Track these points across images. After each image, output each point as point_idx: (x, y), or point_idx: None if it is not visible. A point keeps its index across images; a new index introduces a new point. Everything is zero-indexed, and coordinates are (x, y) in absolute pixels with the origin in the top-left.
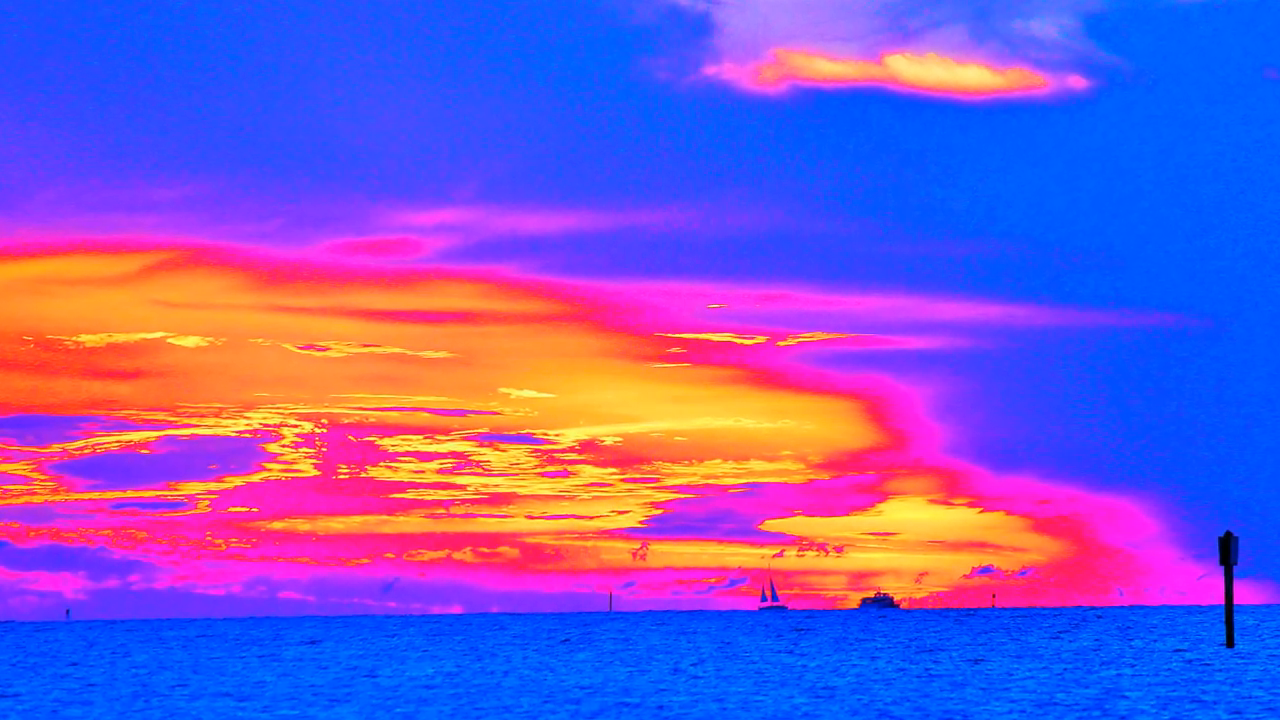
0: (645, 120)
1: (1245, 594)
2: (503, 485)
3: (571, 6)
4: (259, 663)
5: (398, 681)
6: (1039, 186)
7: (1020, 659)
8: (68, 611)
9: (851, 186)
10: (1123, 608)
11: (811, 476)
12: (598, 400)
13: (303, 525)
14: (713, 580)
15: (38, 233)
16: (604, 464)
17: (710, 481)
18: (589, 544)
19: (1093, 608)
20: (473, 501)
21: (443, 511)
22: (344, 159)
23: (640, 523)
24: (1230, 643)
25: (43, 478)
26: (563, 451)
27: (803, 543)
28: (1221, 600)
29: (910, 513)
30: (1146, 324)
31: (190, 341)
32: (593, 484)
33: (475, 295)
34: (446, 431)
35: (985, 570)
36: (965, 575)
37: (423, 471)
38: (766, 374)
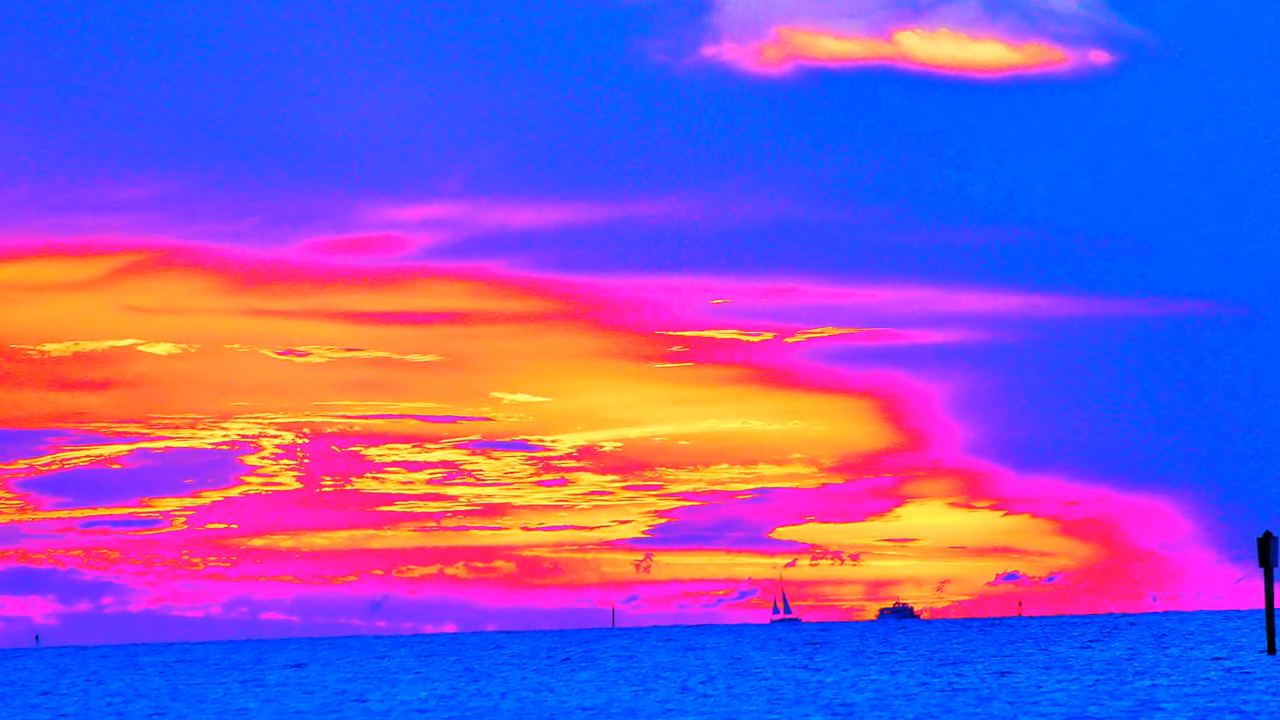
0: (642, 105)
1: None
2: (497, 495)
3: None
4: (241, 688)
5: (388, 706)
6: (1060, 169)
7: (1049, 670)
8: (37, 637)
9: (861, 172)
10: (1157, 614)
11: (824, 480)
12: (596, 403)
13: (285, 542)
14: (721, 592)
15: None
16: (604, 471)
17: (717, 487)
18: (589, 556)
19: (1125, 614)
20: (465, 513)
21: (433, 524)
22: (323, 152)
23: (643, 533)
24: (1272, 649)
25: (8, 496)
26: (560, 458)
27: (816, 551)
28: (1262, 604)
29: (930, 517)
30: (1177, 313)
31: (162, 348)
32: (592, 492)
33: (464, 294)
34: (436, 439)
35: (1010, 577)
36: (989, 582)
37: (411, 482)
38: (774, 372)
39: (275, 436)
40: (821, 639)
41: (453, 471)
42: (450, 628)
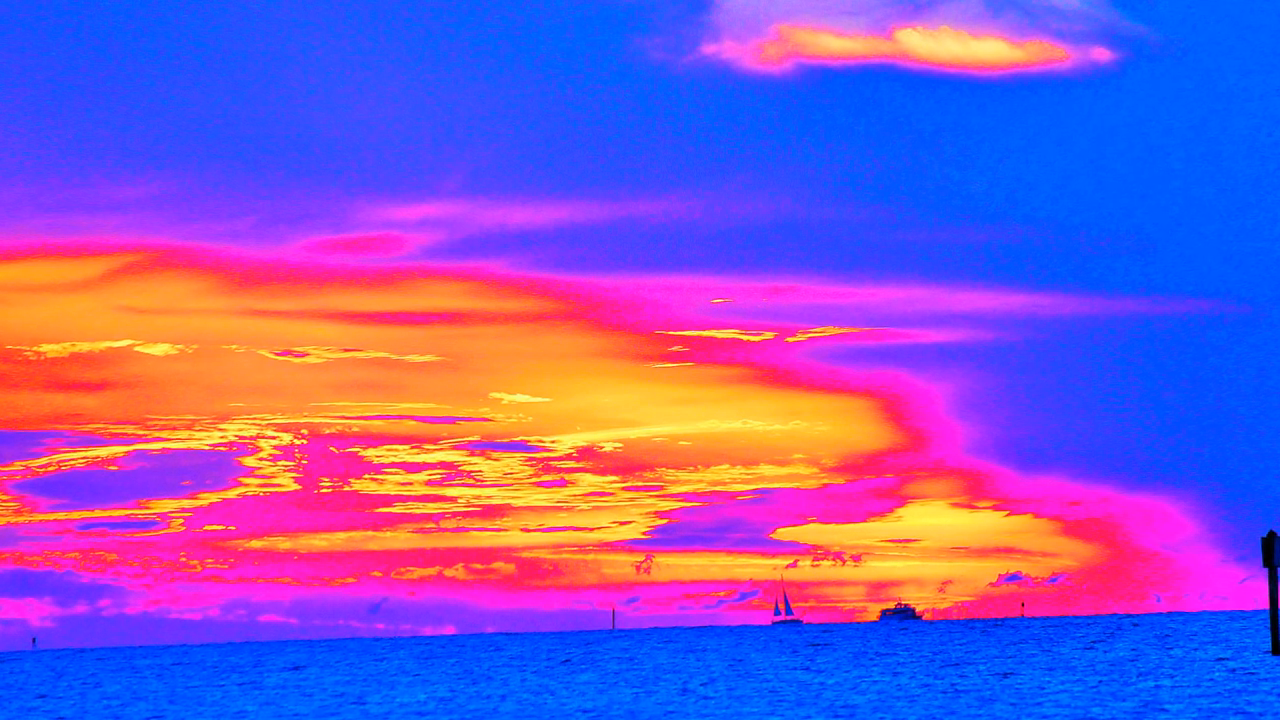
0: (641, 104)
1: None
2: (496, 496)
3: None
4: (239, 691)
5: (388, 709)
6: (1062, 167)
7: (1052, 671)
8: (34, 640)
9: (862, 171)
10: (1160, 615)
11: (826, 481)
12: (596, 404)
13: (283, 543)
14: (722, 593)
15: None
16: (604, 472)
17: (717, 488)
18: (589, 557)
19: (1128, 615)
20: (464, 514)
21: (432, 526)
22: (320, 151)
23: (644, 534)
24: (1276, 650)
25: (5, 498)
26: (559, 459)
27: (817, 552)
28: (1266, 605)
29: (932, 518)
30: (1180, 311)
31: (159, 349)
32: (592, 493)
33: (463, 294)
34: (435, 440)
35: (1013, 577)
36: (991, 583)
37: (410, 483)
38: (775, 372)
39: (273, 437)
40: (823, 640)
41: (452, 472)
42: (450, 630)
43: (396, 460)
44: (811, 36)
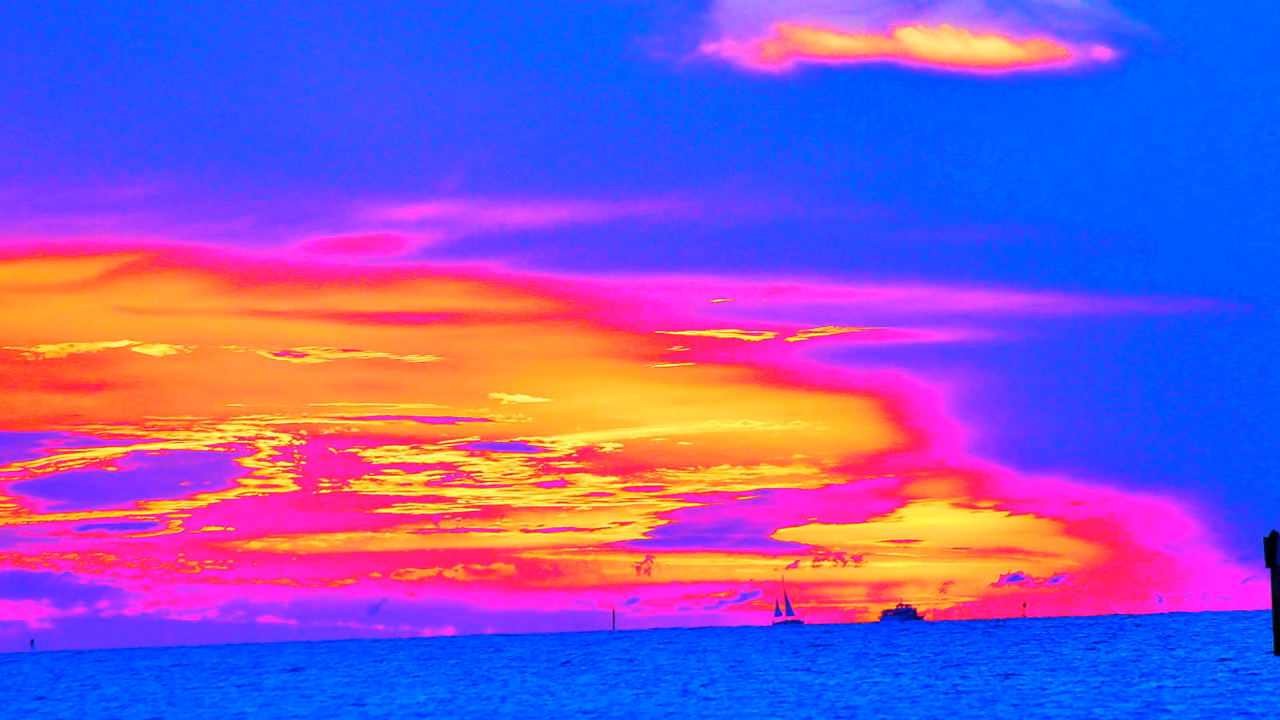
0: (641, 103)
1: None
2: (496, 497)
3: None
4: (238, 693)
5: (387, 710)
6: (1064, 166)
7: (1054, 672)
8: (32, 642)
9: (863, 170)
10: (1162, 615)
11: (826, 481)
12: (596, 404)
13: (282, 544)
14: (723, 594)
15: None
16: (604, 472)
17: (718, 488)
18: (589, 558)
19: (1130, 616)
20: (464, 515)
21: (432, 526)
22: (319, 151)
23: (644, 534)
24: (1278, 650)
25: (3, 499)
26: (559, 460)
27: (818, 552)
28: (1269, 605)
29: (933, 518)
30: (1182, 310)
31: (158, 350)
32: (592, 494)
33: (462, 294)
34: (434, 441)
35: (1014, 578)
36: (993, 584)
37: (410, 484)
38: (775, 372)
39: (272, 438)
40: (824, 641)
41: (451, 473)
42: (449, 631)
43: (396, 461)
44: (812, 35)
